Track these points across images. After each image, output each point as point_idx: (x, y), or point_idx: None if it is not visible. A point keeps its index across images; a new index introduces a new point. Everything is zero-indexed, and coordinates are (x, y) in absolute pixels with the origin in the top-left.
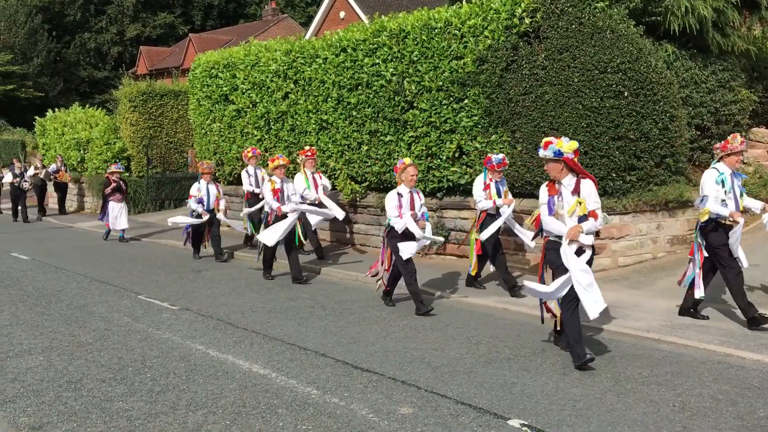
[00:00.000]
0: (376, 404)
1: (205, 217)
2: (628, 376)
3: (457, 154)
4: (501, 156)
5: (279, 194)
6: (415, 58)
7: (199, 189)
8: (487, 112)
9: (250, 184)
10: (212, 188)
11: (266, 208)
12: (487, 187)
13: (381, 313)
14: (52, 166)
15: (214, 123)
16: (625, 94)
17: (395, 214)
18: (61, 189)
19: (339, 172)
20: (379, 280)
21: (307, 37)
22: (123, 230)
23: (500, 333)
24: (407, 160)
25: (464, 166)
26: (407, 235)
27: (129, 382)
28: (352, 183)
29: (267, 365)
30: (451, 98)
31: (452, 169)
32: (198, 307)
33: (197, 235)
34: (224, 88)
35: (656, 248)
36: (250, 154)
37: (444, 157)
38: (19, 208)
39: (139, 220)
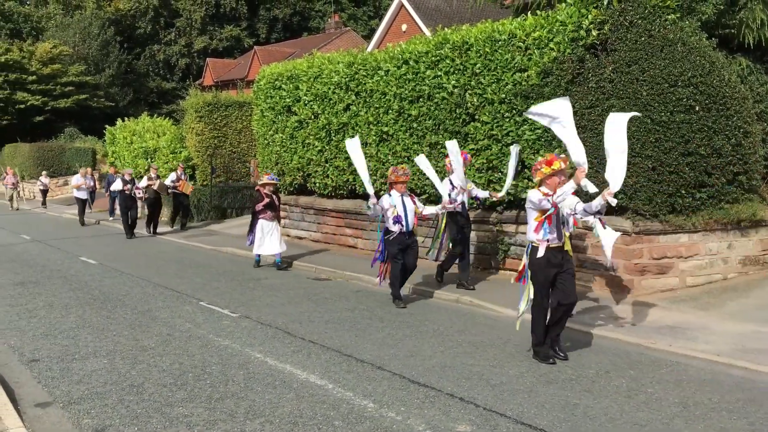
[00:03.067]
0: (433, 420)
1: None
2: (697, 401)
3: (519, 168)
4: None
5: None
6: (477, 71)
7: (392, 204)
8: None
9: (451, 196)
10: (409, 202)
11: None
12: None
13: (439, 327)
14: (171, 176)
15: (277, 134)
16: (697, 109)
17: None
18: (181, 201)
19: None
20: None
21: (369, 49)
22: (278, 254)
23: None
24: None
25: (526, 180)
26: None
27: (189, 388)
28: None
29: (324, 376)
30: (514, 111)
31: (513, 182)
32: (257, 315)
33: (399, 268)
34: (287, 100)
35: (727, 268)
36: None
37: (505, 171)
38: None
39: (202, 228)
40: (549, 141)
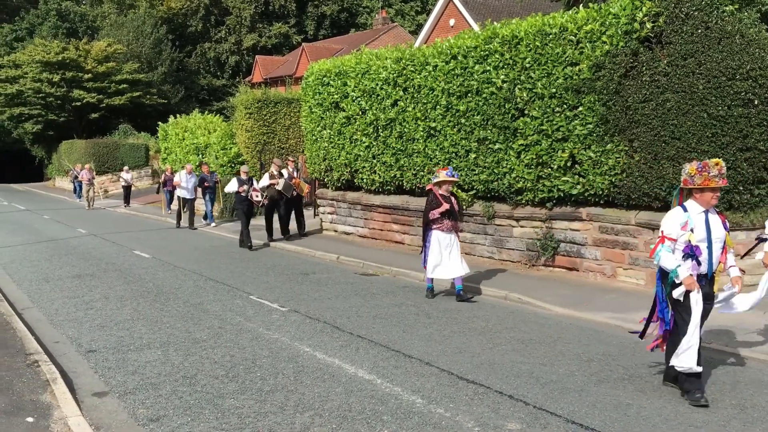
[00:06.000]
0: (482, 418)
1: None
2: (755, 403)
3: (569, 164)
4: None
5: None
6: (527, 65)
7: (687, 224)
8: (603, 120)
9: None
10: (717, 225)
11: None
12: None
13: (487, 323)
14: (283, 173)
15: (325, 130)
16: (755, 103)
17: None
18: (294, 203)
19: None
20: None
21: (417, 44)
22: (459, 278)
23: (613, 351)
24: None
25: (577, 176)
26: None
27: (240, 380)
28: (459, 191)
29: (372, 371)
30: (565, 105)
31: (563, 178)
32: (306, 310)
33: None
34: (335, 96)
35: None
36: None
37: (555, 166)
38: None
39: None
40: (600, 136)
